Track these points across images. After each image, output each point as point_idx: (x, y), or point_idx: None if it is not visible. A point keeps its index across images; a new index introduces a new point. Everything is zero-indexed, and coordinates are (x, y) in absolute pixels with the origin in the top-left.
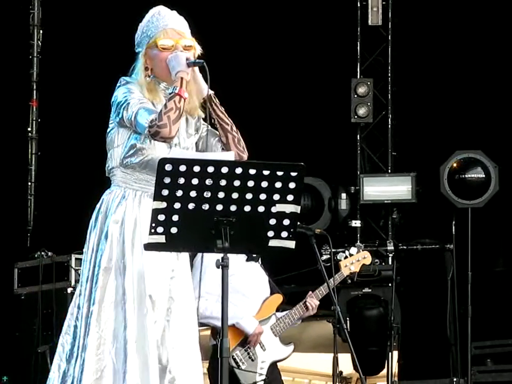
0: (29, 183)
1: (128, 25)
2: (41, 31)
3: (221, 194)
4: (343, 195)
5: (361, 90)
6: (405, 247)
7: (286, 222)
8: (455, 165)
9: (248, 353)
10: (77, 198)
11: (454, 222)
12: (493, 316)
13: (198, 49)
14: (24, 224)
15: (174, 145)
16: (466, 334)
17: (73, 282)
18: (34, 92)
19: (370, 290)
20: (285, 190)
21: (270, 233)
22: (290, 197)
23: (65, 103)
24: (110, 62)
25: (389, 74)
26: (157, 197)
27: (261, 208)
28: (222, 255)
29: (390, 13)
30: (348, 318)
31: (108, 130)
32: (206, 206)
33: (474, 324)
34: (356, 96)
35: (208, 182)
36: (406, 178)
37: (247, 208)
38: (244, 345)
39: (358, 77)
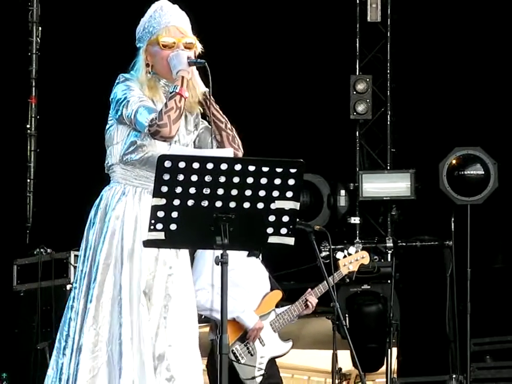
0: (28, 180)
1: (127, 22)
2: (40, 28)
3: (220, 191)
4: (342, 192)
5: (360, 87)
6: (404, 244)
7: (285, 218)
8: (454, 161)
9: (248, 348)
10: (76, 195)
11: (453, 219)
12: (492, 313)
13: (199, 48)
14: (23, 221)
15: (174, 142)
16: (465, 330)
17: (72, 279)
18: (33, 88)
19: (369, 287)
20: (284, 187)
21: (269, 230)
22: (289, 194)
23: (64, 100)
24: (109, 59)
25: (388, 71)
26: (156, 193)
27: (260, 205)
28: (221, 251)
29: (389, 9)
30: (347, 315)
31: (107, 127)
32: (205, 203)
33: (473, 321)
34: (355, 92)
35: (208, 178)
36: (405, 175)
37: (246, 205)
38: (243, 340)
39: (357, 73)
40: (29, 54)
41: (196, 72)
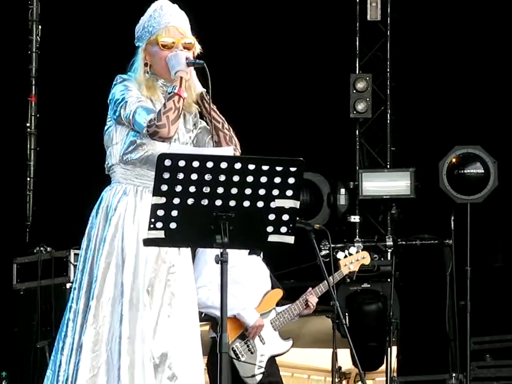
0: (28, 179)
1: (127, 20)
2: (40, 27)
3: (220, 190)
4: (342, 190)
5: (360, 85)
6: (404, 243)
7: (285, 217)
8: (454, 160)
9: (248, 346)
10: (75, 194)
11: (453, 218)
12: (492, 311)
13: (198, 48)
14: (23, 219)
15: (173, 140)
16: (465, 329)
17: (72, 278)
18: (33, 87)
19: (369, 285)
20: (284, 185)
21: (269, 229)
22: (289, 192)
23: (64, 98)
24: (109, 57)
25: (388, 70)
26: (156, 192)
27: (260, 204)
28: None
29: (389, 8)
30: (346, 313)
31: (106, 128)
32: (205, 201)
33: (473, 319)
34: (354, 91)
35: (207, 177)
36: (405, 173)
37: (246, 204)
38: (243, 338)
39: (357, 72)
40: (29, 52)
41: (193, 73)
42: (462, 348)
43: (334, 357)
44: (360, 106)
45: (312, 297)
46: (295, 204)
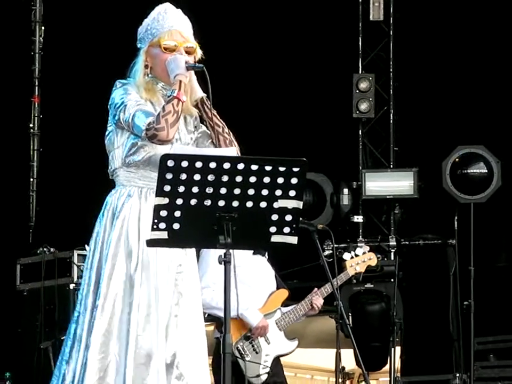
0: (31, 179)
1: (130, 22)
2: (43, 28)
3: (223, 190)
4: (345, 190)
5: (363, 85)
6: (407, 243)
7: (288, 217)
8: (457, 160)
9: (253, 346)
10: (79, 194)
11: (456, 217)
12: (495, 311)
13: (199, 53)
14: (26, 220)
15: (175, 140)
16: (469, 329)
17: (75, 279)
18: (36, 88)
19: (372, 285)
20: (287, 186)
21: (272, 229)
22: (292, 193)
23: (67, 99)
24: (112, 58)
25: (391, 70)
26: (159, 192)
27: (263, 204)
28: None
29: (391, 8)
30: (350, 314)
31: (106, 133)
32: (208, 202)
33: (477, 319)
34: (357, 91)
35: (210, 177)
36: (408, 173)
37: (249, 204)
38: (248, 337)
39: (360, 72)
40: (32, 53)
41: (194, 77)
42: (465, 348)
43: (338, 357)
44: (363, 106)
45: (317, 298)
46: (298, 204)
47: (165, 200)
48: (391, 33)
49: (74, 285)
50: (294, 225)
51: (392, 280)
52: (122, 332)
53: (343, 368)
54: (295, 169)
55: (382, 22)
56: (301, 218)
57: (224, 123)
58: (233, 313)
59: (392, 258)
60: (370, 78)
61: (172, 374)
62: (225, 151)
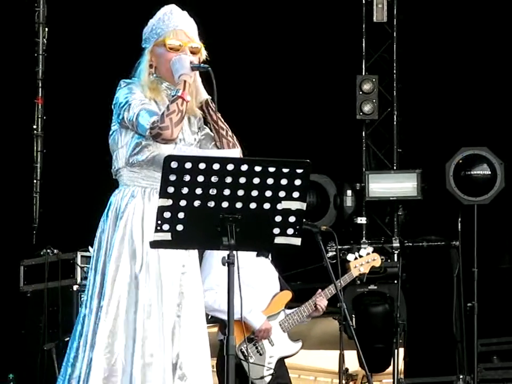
0: (34, 181)
1: (133, 23)
2: (46, 29)
3: (227, 192)
4: (349, 192)
5: (367, 87)
6: (410, 244)
7: (292, 219)
8: (460, 161)
9: (256, 348)
10: (82, 195)
11: (459, 219)
12: (499, 313)
13: (204, 54)
14: (30, 221)
15: (179, 141)
16: (472, 331)
17: (79, 280)
18: (40, 89)
19: (376, 287)
20: (291, 187)
21: (276, 230)
22: (296, 194)
23: (70, 100)
24: (115, 59)
25: (394, 71)
26: (163, 194)
27: (267, 205)
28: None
29: (395, 9)
30: (353, 315)
31: (110, 133)
32: (211, 203)
33: (480, 321)
34: (361, 93)
35: (214, 179)
36: (411, 175)
37: (253, 205)
38: (252, 340)
39: (363, 73)
40: (36, 55)
41: (198, 78)
42: (469, 350)
43: (341, 359)
44: (367, 108)
45: (321, 299)
46: (302, 205)
47: (169, 202)
48: (395, 35)
49: (77, 286)
50: (297, 227)
51: (395, 281)
52: (128, 332)
53: (347, 369)
54: (299, 171)
55: (385, 24)
56: (304, 220)
57: (228, 126)
58: (236, 315)
59: (396, 259)
60: (374, 80)
61: (175, 375)
62: (228, 152)
